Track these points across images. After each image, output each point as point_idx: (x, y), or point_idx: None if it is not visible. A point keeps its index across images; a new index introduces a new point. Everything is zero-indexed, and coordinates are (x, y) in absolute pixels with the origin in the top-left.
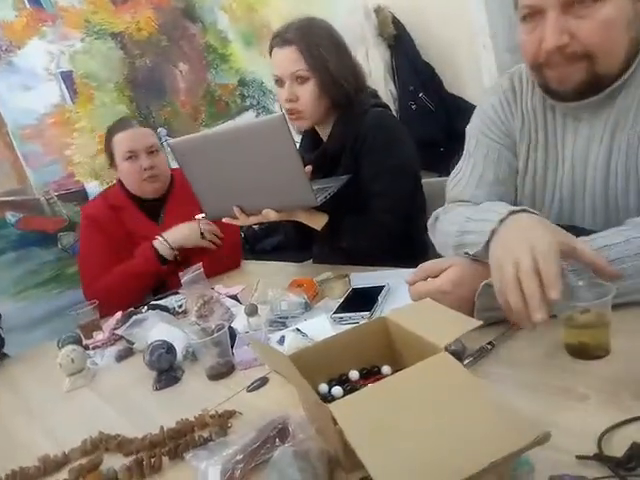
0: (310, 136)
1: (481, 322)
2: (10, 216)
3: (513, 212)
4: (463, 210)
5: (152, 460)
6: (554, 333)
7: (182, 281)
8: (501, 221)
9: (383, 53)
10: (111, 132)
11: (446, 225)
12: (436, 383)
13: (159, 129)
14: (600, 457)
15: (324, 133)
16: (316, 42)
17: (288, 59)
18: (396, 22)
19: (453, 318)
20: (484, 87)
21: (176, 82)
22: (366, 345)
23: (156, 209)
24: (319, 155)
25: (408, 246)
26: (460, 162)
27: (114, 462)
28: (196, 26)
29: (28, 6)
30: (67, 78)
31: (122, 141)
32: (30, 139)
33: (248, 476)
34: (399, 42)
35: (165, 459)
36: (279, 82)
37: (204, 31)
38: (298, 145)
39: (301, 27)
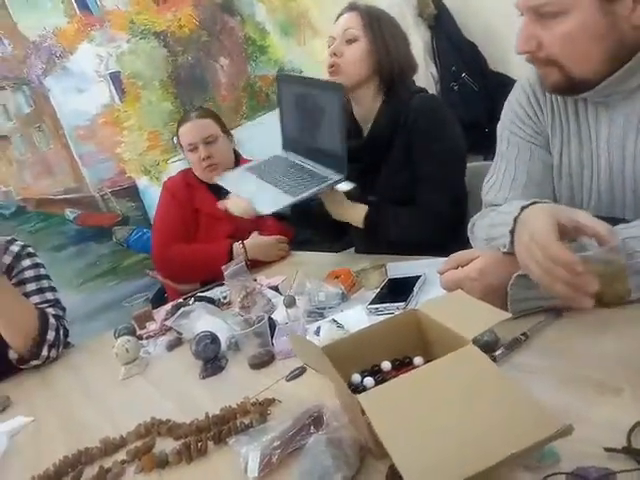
0: (350, 122)
1: (510, 315)
2: (69, 213)
3: (523, 208)
4: (494, 215)
5: (199, 444)
6: (588, 325)
7: (225, 274)
8: (515, 220)
9: (423, 34)
10: (178, 125)
11: (481, 230)
12: (461, 376)
13: None
14: (628, 450)
15: (364, 117)
16: (378, 15)
17: (347, 20)
18: (436, 1)
19: (483, 310)
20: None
21: (217, 76)
22: (398, 336)
23: (225, 192)
24: (369, 139)
25: (459, 232)
26: (493, 164)
27: (165, 445)
28: (235, 19)
29: (78, 12)
30: (115, 79)
31: (183, 134)
32: (84, 139)
33: (284, 461)
34: (439, 21)
35: (210, 443)
36: (331, 42)
37: (243, 24)
38: None
39: (370, 6)
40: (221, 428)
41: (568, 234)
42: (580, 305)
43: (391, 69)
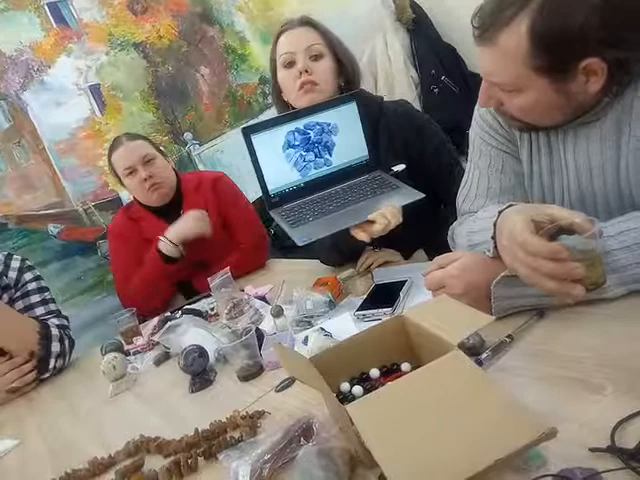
0: None
1: (493, 318)
2: (52, 228)
3: (500, 212)
4: (471, 222)
5: (189, 461)
6: (571, 324)
7: (211, 286)
8: (495, 225)
9: (402, 38)
10: (109, 154)
11: (461, 238)
12: (446, 382)
13: (185, 134)
14: (612, 449)
15: None
16: (326, 29)
17: (304, 36)
18: (414, 5)
19: (467, 314)
20: None
21: (198, 86)
22: (385, 343)
23: (175, 213)
24: None
25: None
26: (466, 172)
27: (155, 463)
28: (214, 28)
29: (54, 25)
30: (95, 91)
31: (118, 160)
32: (65, 153)
33: (275, 474)
34: (418, 25)
35: (200, 459)
36: (288, 64)
37: (222, 33)
38: None
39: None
40: (211, 443)
41: (546, 231)
42: (572, 295)
43: (352, 81)
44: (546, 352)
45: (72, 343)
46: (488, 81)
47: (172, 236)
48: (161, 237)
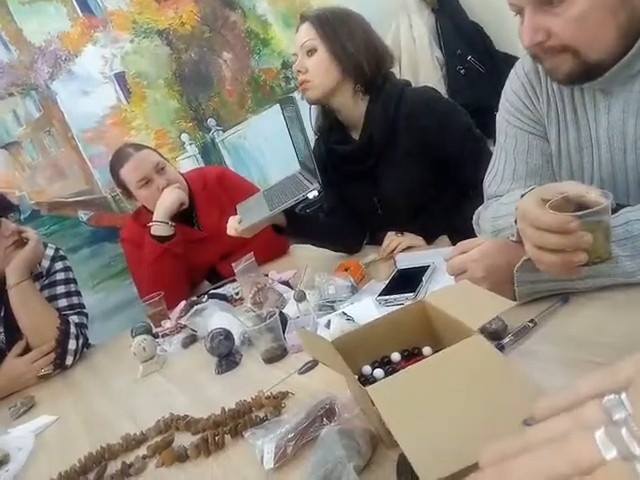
0: (337, 129)
1: (513, 302)
2: (82, 214)
3: (522, 196)
4: (496, 207)
5: (216, 438)
6: (596, 310)
7: (235, 271)
8: (517, 209)
9: (427, 18)
10: (114, 168)
11: (486, 223)
12: (467, 365)
13: (209, 120)
14: None
15: (351, 122)
16: (328, 18)
17: (303, 33)
18: None
19: (488, 299)
20: None
21: (221, 72)
22: (407, 327)
23: (189, 216)
24: (364, 142)
25: None
26: (493, 156)
27: (184, 440)
28: (236, 13)
29: (81, 14)
30: (120, 79)
31: (129, 173)
32: (93, 141)
33: (298, 452)
34: (443, 4)
35: (227, 437)
36: (295, 59)
37: (244, 17)
38: (316, 140)
39: (320, 10)
40: (237, 422)
41: (553, 202)
42: (574, 261)
43: (359, 68)
44: (570, 337)
45: (86, 342)
46: (532, 1)
47: (158, 216)
48: (149, 224)
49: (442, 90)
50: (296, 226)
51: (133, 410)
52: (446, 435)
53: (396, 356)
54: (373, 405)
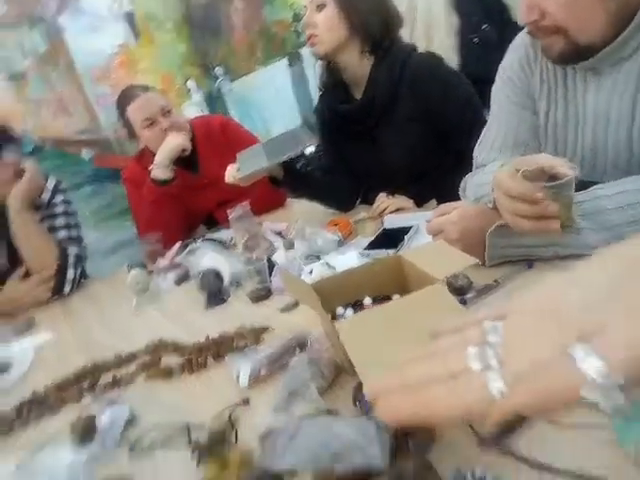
0: (340, 87)
1: (477, 260)
2: (85, 153)
3: (502, 166)
4: (480, 175)
5: (199, 360)
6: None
7: (230, 217)
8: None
9: None
10: (122, 105)
11: (470, 190)
12: (426, 308)
13: (216, 68)
14: None
15: (354, 81)
16: None
17: None
18: None
19: (456, 257)
20: None
21: (231, 19)
22: (381, 277)
23: (190, 161)
24: (366, 103)
25: None
26: (486, 126)
27: (171, 361)
28: None
29: None
30: (129, 19)
31: (135, 111)
32: (99, 80)
33: (271, 375)
34: None
35: (210, 360)
36: (304, 12)
37: None
38: (318, 98)
39: None
40: (220, 347)
41: (524, 172)
42: (550, 229)
43: (368, 27)
44: None
45: (83, 273)
46: None
47: (160, 159)
48: (151, 167)
49: (454, 59)
50: (292, 179)
51: (126, 335)
52: (396, 360)
53: (368, 300)
54: (339, 339)
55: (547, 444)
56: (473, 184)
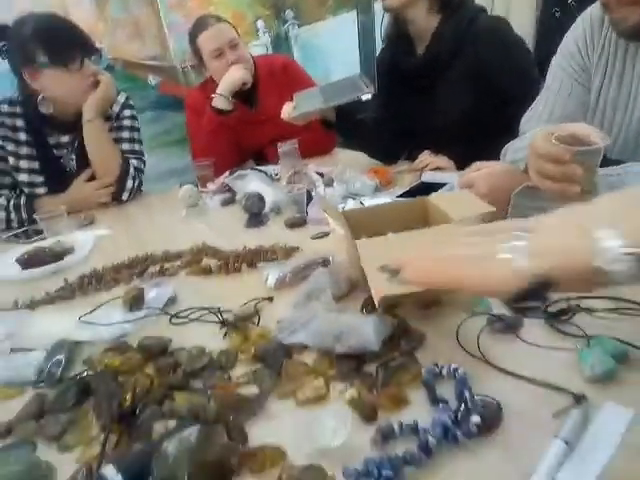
0: (404, 41)
1: (494, 208)
2: (152, 79)
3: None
4: (520, 140)
5: (235, 265)
6: None
7: (279, 150)
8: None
9: None
10: (194, 33)
11: (509, 155)
12: (438, 237)
13: (286, 11)
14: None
15: (419, 36)
16: None
17: None
18: None
19: (474, 203)
20: None
21: None
22: (407, 215)
23: (249, 97)
24: (428, 58)
25: None
26: (539, 96)
27: (211, 262)
28: None
29: None
30: None
31: (206, 41)
32: (174, 8)
33: (294, 281)
34: None
35: (244, 265)
36: None
37: None
38: (384, 49)
39: None
40: (254, 257)
41: (558, 137)
42: (569, 192)
43: None
44: None
45: (140, 184)
46: None
47: (222, 90)
48: (212, 95)
49: (531, 31)
50: (344, 124)
51: (173, 239)
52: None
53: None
54: (358, 256)
55: (518, 358)
56: (512, 149)
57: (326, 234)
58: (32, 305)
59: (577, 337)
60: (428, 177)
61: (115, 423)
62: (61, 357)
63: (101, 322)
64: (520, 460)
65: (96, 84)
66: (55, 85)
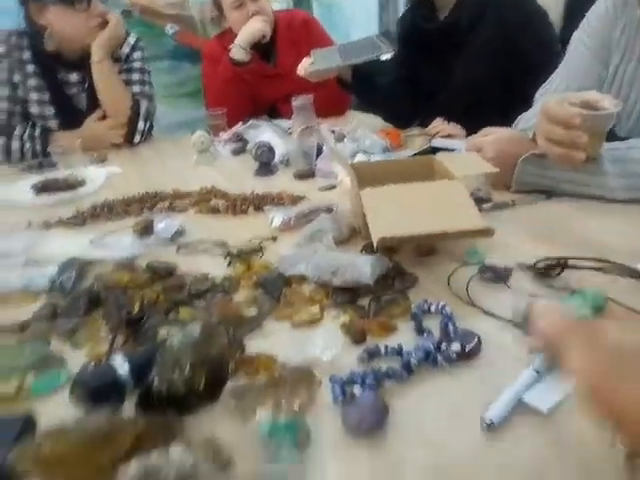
0: (427, 5)
1: (496, 169)
2: (169, 27)
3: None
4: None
5: (242, 207)
6: (572, 211)
7: (293, 103)
8: None
9: None
10: None
11: (521, 123)
12: (439, 190)
13: None
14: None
15: (442, 2)
16: None
17: None
18: None
19: (478, 163)
20: None
21: None
22: (412, 171)
23: (267, 50)
24: (450, 22)
25: None
26: (556, 70)
27: (219, 203)
28: None
29: None
30: None
31: None
32: None
33: (298, 225)
34: None
35: (251, 208)
36: None
37: None
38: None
39: None
40: (261, 200)
41: (571, 103)
42: (574, 158)
43: None
44: (543, 218)
45: (152, 127)
46: None
47: (240, 40)
48: (231, 45)
49: (560, 10)
50: (360, 84)
51: (183, 181)
52: (404, 221)
53: None
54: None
55: (503, 305)
56: (524, 118)
57: (333, 187)
58: (45, 227)
59: (562, 290)
60: (438, 143)
61: (123, 327)
62: (72, 273)
63: (113, 244)
64: (494, 384)
65: (104, 25)
66: (61, 22)
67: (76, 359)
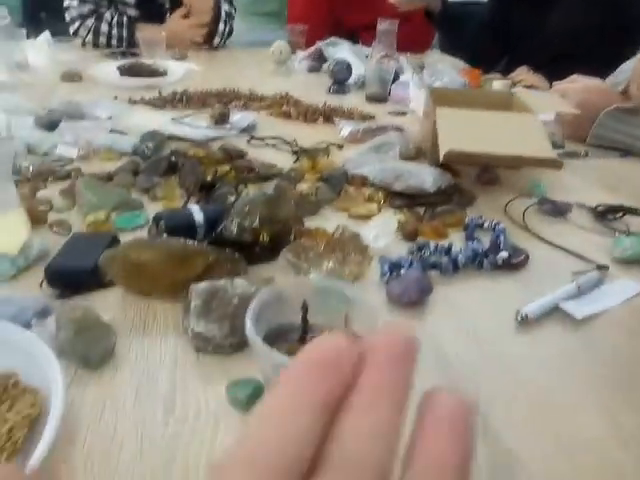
0: None
1: (576, 111)
2: None
3: None
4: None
5: (314, 116)
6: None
7: (378, 27)
8: None
9: None
10: None
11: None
12: (516, 120)
13: None
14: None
15: None
16: None
17: None
18: None
19: (558, 104)
20: None
21: None
22: (490, 103)
23: None
24: None
25: None
26: None
27: (291, 109)
28: None
29: None
30: None
31: None
32: None
33: (366, 137)
34: None
35: (321, 119)
36: None
37: None
38: None
39: None
40: (332, 113)
41: None
42: None
43: None
44: (608, 172)
45: (231, 32)
46: None
47: None
48: None
49: None
50: (447, 17)
51: (259, 86)
52: (474, 140)
53: None
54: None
55: (558, 235)
56: (619, 70)
57: (404, 113)
58: (130, 103)
59: (619, 231)
60: (518, 92)
61: (197, 191)
62: (152, 143)
63: (190, 126)
64: (535, 292)
65: None
66: None
67: (154, 208)
